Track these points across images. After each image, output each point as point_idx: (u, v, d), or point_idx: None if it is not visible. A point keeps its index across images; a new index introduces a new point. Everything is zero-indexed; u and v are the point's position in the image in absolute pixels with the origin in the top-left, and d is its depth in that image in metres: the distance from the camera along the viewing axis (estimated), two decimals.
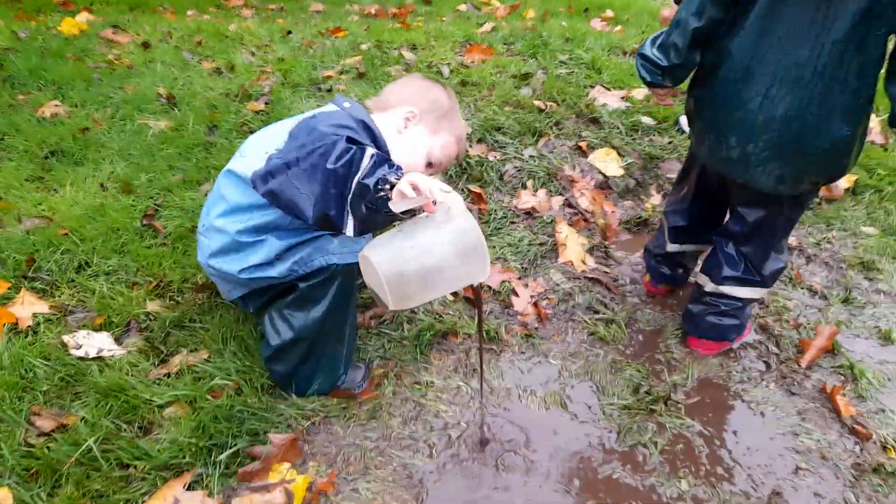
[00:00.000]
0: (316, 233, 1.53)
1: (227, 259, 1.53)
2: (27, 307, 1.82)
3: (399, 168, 1.24)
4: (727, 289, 1.85)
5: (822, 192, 2.76)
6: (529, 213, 2.47)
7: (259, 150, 1.49)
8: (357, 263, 1.52)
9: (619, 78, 3.24)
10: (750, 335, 2.04)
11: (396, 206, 1.17)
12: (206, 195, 1.74)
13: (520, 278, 2.20)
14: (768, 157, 1.55)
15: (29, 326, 1.77)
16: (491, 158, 2.63)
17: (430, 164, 1.67)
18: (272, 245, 1.51)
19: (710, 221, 1.99)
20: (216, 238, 1.53)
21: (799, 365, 1.94)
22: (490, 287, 2.13)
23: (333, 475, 1.53)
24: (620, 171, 2.75)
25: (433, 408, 1.74)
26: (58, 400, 1.61)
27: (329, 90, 2.94)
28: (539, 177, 2.60)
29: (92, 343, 1.75)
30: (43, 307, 1.83)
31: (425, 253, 1.17)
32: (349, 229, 1.29)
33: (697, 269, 2.08)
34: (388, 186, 1.19)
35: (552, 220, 2.43)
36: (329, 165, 1.27)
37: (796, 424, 1.76)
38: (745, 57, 1.52)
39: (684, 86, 1.78)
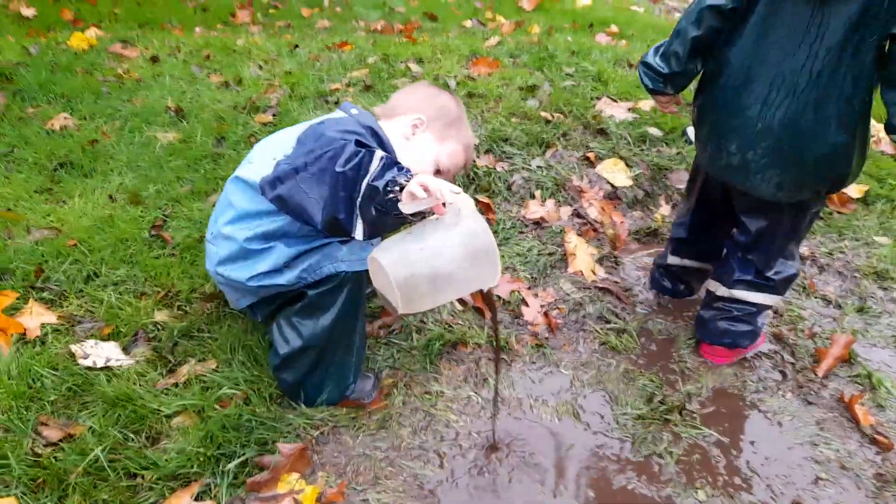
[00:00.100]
0: (324, 240, 1.52)
1: (235, 267, 1.52)
2: (35, 317, 1.81)
3: (408, 170, 1.23)
4: (739, 293, 1.84)
5: (835, 202, 2.74)
6: (538, 224, 2.46)
7: (267, 156, 1.49)
8: (365, 271, 1.52)
9: (626, 90, 3.25)
10: (764, 345, 2.02)
11: (406, 207, 1.16)
12: (213, 206, 1.74)
13: (529, 288, 2.18)
14: (767, 164, 1.56)
15: (37, 337, 1.76)
16: (499, 169, 2.62)
17: (437, 172, 1.66)
18: (281, 252, 1.49)
19: (711, 235, 2.00)
20: (224, 245, 1.52)
21: (815, 374, 1.91)
22: (500, 297, 2.12)
23: (343, 485, 1.50)
24: (629, 182, 2.74)
25: (443, 418, 1.71)
26: (65, 410, 1.59)
27: (336, 102, 2.95)
28: (547, 187, 2.60)
29: (100, 353, 1.74)
30: (51, 317, 1.82)
31: (435, 255, 1.15)
32: (358, 232, 1.28)
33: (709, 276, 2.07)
34: (397, 188, 1.18)
35: (561, 231, 2.42)
36: (338, 168, 1.26)
37: (815, 434, 1.73)
38: (743, 65, 1.54)
39: (690, 96, 1.78)
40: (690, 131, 2.93)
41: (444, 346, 1.91)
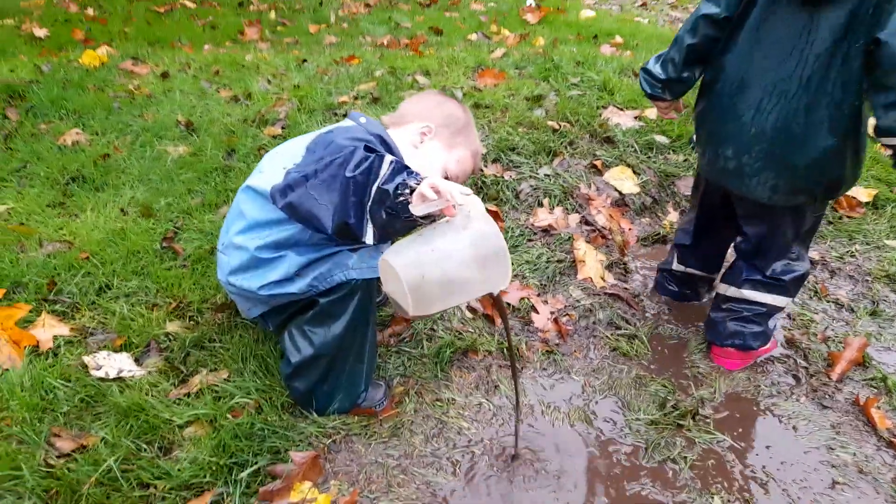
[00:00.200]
0: (335, 248, 1.52)
1: (246, 276, 1.53)
2: (48, 330, 1.82)
3: (418, 174, 1.24)
4: (748, 293, 1.85)
5: (844, 206, 2.73)
6: (546, 231, 2.46)
7: (277, 165, 1.50)
8: (376, 279, 1.52)
9: (632, 98, 3.26)
10: (777, 349, 2.00)
11: (417, 209, 1.16)
12: (224, 217, 1.76)
13: (539, 295, 2.18)
14: (761, 168, 1.60)
15: (49, 349, 1.77)
16: (507, 177, 2.63)
17: (445, 179, 1.67)
18: (291, 261, 1.50)
19: (714, 242, 2.04)
20: (235, 255, 1.53)
21: (829, 378, 1.89)
22: (510, 304, 2.11)
23: (356, 494, 1.50)
24: (636, 189, 2.74)
25: (455, 425, 1.71)
26: (78, 421, 1.60)
27: (344, 115, 2.98)
28: (555, 195, 2.60)
29: (112, 364, 1.74)
30: (63, 329, 1.83)
31: (446, 257, 1.15)
32: (368, 237, 1.29)
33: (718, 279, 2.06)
34: (407, 191, 1.19)
35: (570, 238, 2.42)
36: (348, 174, 1.27)
37: (830, 438, 1.71)
38: (738, 72, 1.59)
39: (691, 101, 1.81)
40: None
41: (454, 354, 1.91)
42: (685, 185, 2.79)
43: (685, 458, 1.63)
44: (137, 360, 1.78)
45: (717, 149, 1.69)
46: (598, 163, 2.78)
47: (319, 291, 1.53)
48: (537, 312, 2.09)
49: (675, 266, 2.14)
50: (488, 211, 2.48)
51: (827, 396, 1.84)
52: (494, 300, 1.33)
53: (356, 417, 1.69)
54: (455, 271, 1.16)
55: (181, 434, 1.58)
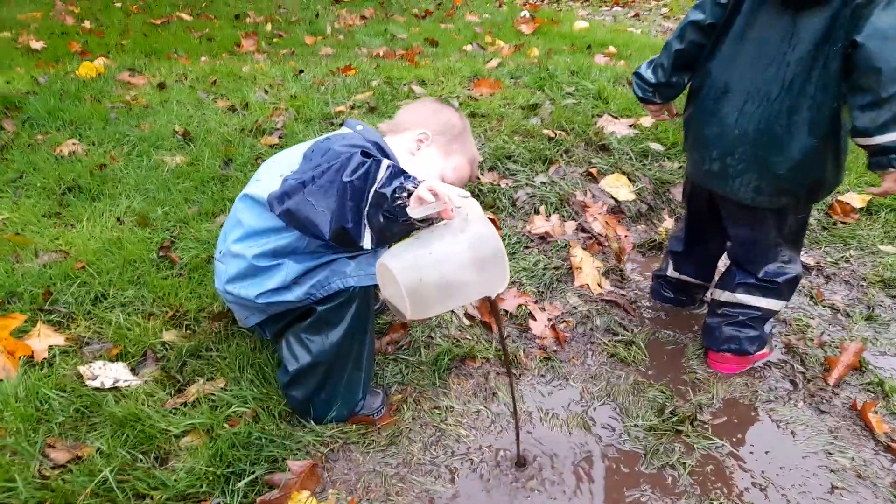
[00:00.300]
0: (333, 255, 1.52)
1: (244, 284, 1.53)
2: (43, 339, 1.81)
3: (415, 178, 1.24)
4: (742, 297, 1.86)
5: (838, 212, 2.75)
6: (543, 238, 2.47)
7: (274, 173, 1.50)
8: (374, 286, 1.52)
9: (626, 107, 3.28)
10: (774, 354, 2.01)
11: (415, 212, 1.16)
12: (221, 226, 1.76)
13: (536, 302, 2.18)
14: (744, 169, 1.64)
15: (44, 359, 1.75)
16: (503, 185, 2.64)
17: None
18: (289, 269, 1.50)
19: (706, 248, 2.07)
20: (233, 263, 1.53)
21: (826, 383, 1.89)
22: (507, 311, 2.11)
23: (354, 503, 1.49)
24: (632, 196, 2.75)
25: (454, 432, 1.70)
26: (73, 431, 1.58)
27: (341, 124, 2.98)
28: (551, 202, 2.61)
29: (108, 374, 1.73)
30: (59, 339, 1.82)
31: (444, 260, 1.15)
32: (366, 241, 1.29)
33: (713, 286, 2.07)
34: (405, 194, 1.19)
35: (566, 245, 2.42)
36: (345, 178, 1.27)
37: (828, 443, 1.71)
38: (722, 77, 1.65)
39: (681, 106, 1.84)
40: None
41: (452, 361, 1.91)
42: (680, 192, 2.79)
43: (684, 463, 1.63)
44: (133, 370, 1.77)
45: (703, 152, 1.73)
46: (593, 170, 2.80)
47: (317, 299, 1.53)
48: (535, 319, 2.09)
49: (671, 273, 2.16)
50: None
51: (824, 401, 1.84)
52: (491, 304, 1.33)
53: (354, 426, 1.68)
54: (453, 274, 1.16)
55: (177, 444, 1.57)
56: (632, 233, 2.65)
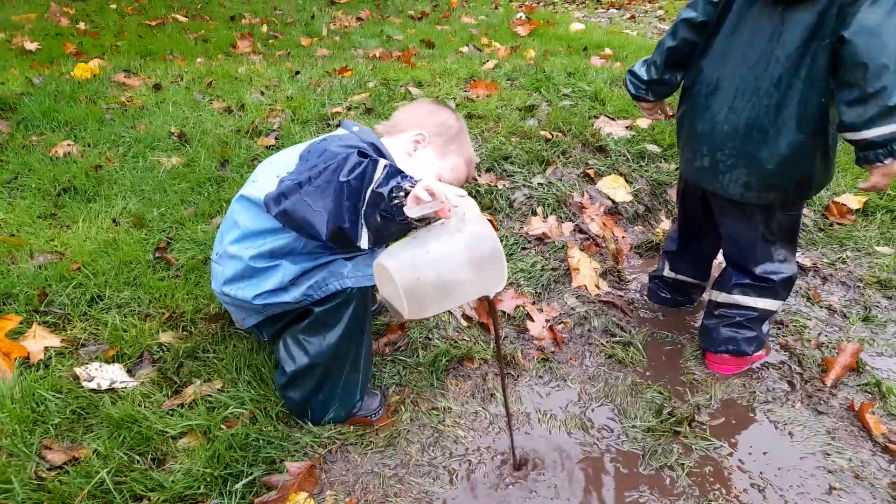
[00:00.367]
0: (330, 256, 1.52)
1: (241, 285, 1.52)
2: (39, 341, 1.80)
3: (412, 177, 1.24)
4: (739, 297, 1.87)
5: (834, 213, 2.76)
6: (541, 239, 2.47)
7: (270, 174, 1.50)
8: (371, 287, 1.52)
9: (623, 108, 3.29)
10: (771, 355, 2.01)
11: (412, 211, 1.16)
12: (218, 227, 1.75)
13: (534, 303, 2.18)
14: (734, 164, 1.66)
15: (41, 360, 1.75)
16: (500, 186, 2.64)
17: None
18: (286, 270, 1.50)
19: (700, 248, 2.08)
20: (230, 265, 1.53)
21: (824, 383, 1.90)
22: (504, 312, 2.11)
23: None
24: (629, 197, 2.75)
25: (452, 434, 1.70)
26: (70, 433, 1.57)
27: (338, 125, 2.98)
28: (549, 203, 2.61)
29: (104, 375, 1.72)
30: (55, 341, 1.81)
31: (441, 259, 1.15)
32: (363, 241, 1.28)
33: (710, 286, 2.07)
34: (402, 194, 1.19)
35: (563, 246, 2.42)
36: (342, 178, 1.27)
37: (826, 443, 1.71)
38: (713, 74, 1.67)
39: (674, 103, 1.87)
40: None
41: (450, 362, 1.90)
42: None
43: (682, 464, 1.63)
44: (130, 371, 1.76)
45: (694, 148, 1.75)
46: (590, 172, 2.80)
47: (314, 300, 1.52)
48: (532, 320, 2.09)
49: (667, 273, 2.17)
50: None
51: (822, 402, 1.84)
52: (489, 304, 1.32)
53: (352, 427, 1.67)
54: (450, 273, 1.15)
55: (175, 445, 1.56)
56: (629, 234, 2.66)
